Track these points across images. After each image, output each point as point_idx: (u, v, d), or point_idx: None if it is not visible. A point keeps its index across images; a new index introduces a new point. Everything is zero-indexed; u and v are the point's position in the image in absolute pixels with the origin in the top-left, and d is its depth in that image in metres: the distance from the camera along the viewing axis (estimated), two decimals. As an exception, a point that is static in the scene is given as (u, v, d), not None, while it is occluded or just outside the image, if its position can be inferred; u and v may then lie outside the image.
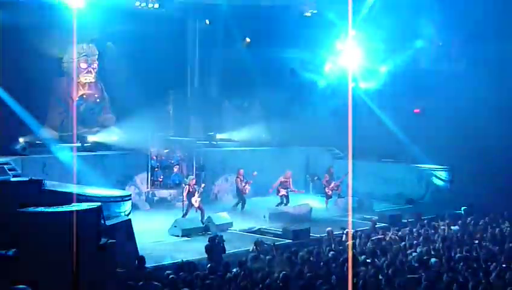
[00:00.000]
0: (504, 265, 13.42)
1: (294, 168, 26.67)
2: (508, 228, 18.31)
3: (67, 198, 14.76)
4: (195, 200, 21.00)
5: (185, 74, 31.22)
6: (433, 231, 18.08)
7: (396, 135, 29.20)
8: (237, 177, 24.38)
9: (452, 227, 18.53)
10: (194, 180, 21.69)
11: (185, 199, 21.45)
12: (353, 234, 17.49)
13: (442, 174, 26.78)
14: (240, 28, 30.70)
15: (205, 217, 20.88)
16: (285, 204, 24.31)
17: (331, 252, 14.95)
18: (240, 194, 24.34)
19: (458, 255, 14.56)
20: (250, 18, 30.22)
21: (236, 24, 30.23)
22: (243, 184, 24.16)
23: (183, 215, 21.14)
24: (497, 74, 28.30)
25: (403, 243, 16.34)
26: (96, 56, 27.96)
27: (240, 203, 24.29)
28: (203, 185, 22.01)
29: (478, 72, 28.32)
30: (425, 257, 14.43)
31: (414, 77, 29.19)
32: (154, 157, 25.97)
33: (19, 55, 24.45)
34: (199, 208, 21.09)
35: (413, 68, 29.13)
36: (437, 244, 16.03)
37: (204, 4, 29.34)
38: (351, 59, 29.86)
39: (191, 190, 21.08)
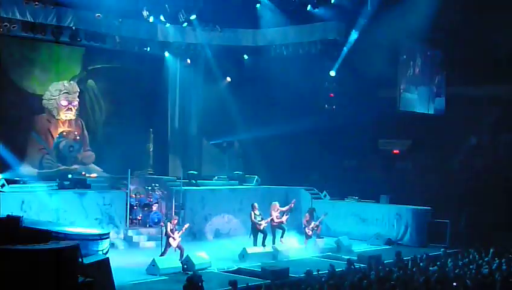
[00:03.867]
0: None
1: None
2: (487, 269, 18.33)
3: (45, 236, 14.65)
4: (174, 239, 20.85)
5: (165, 112, 31.27)
6: (411, 272, 18.06)
7: (376, 175, 29.41)
8: (252, 211, 24.04)
9: (430, 268, 18.55)
10: (176, 220, 21.59)
11: (168, 236, 21.19)
12: (332, 275, 17.47)
13: (421, 215, 26.79)
14: (221, 68, 30.93)
15: (184, 257, 20.76)
16: (283, 234, 24.28)
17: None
18: (255, 229, 24.01)
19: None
20: (231, 58, 30.51)
21: (217, 64, 30.47)
22: (258, 219, 23.85)
23: (162, 254, 20.98)
24: (475, 115, 28.69)
25: (382, 284, 16.30)
26: (77, 93, 27.96)
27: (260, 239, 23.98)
28: (187, 225, 21.89)
29: (456, 114, 28.68)
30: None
31: (393, 117, 29.39)
32: (133, 196, 25.86)
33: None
34: (178, 247, 20.95)
35: (392, 110, 29.35)
36: (416, 285, 16.02)
37: (186, 43, 29.52)
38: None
39: (171, 228, 20.94)
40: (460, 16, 26.85)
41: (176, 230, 20.96)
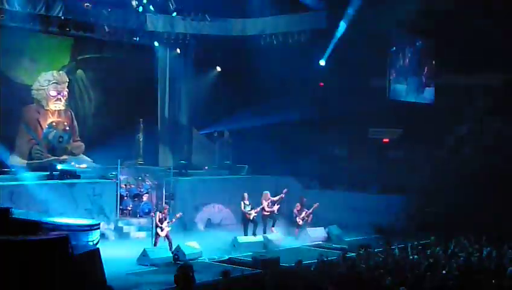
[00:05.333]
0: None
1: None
2: (477, 257, 18.40)
3: (35, 227, 14.62)
4: (162, 229, 20.81)
5: (155, 102, 31.19)
6: (401, 261, 18.10)
7: (366, 164, 29.44)
8: (241, 201, 24.06)
9: (420, 256, 18.58)
10: (167, 209, 21.58)
11: (157, 226, 21.17)
12: (323, 263, 17.50)
13: (411, 203, 26.85)
14: (211, 57, 30.86)
15: (173, 247, 20.74)
16: (274, 224, 24.31)
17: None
18: (245, 219, 24.05)
19: (428, 284, 14.57)
20: (221, 47, 30.44)
21: (207, 53, 30.39)
22: (248, 209, 23.88)
23: (154, 245, 20.96)
24: (464, 104, 28.77)
25: (372, 272, 16.34)
26: (67, 84, 27.84)
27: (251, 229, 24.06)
28: (179, 214, 21.89)
29: (446, 103, 28.75)
30: (394, 287, 14.41)
31: (383, 106, 29.40)
32: (124, 186, 25.81)
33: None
34: (167, 237, 20.94)
35: (382, 99, 29.35)
36: (406, 274, 16.06)
37: (175, 33, 29.38)
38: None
39: (160, 218, 20.92)
40: (449, 4, 26.83)
41: (166, 219, 20.95)
